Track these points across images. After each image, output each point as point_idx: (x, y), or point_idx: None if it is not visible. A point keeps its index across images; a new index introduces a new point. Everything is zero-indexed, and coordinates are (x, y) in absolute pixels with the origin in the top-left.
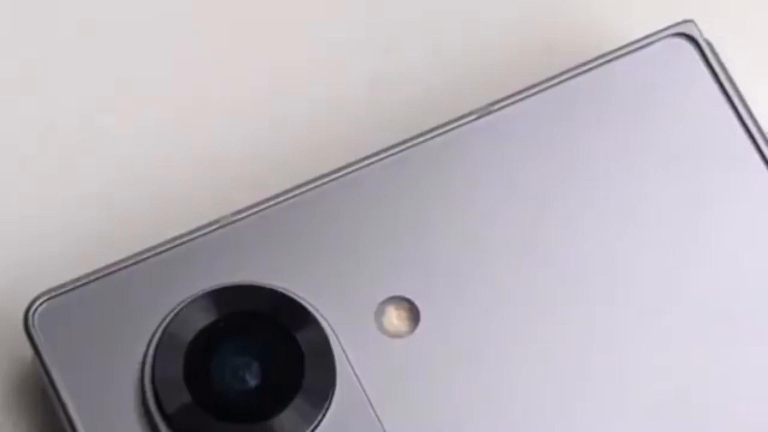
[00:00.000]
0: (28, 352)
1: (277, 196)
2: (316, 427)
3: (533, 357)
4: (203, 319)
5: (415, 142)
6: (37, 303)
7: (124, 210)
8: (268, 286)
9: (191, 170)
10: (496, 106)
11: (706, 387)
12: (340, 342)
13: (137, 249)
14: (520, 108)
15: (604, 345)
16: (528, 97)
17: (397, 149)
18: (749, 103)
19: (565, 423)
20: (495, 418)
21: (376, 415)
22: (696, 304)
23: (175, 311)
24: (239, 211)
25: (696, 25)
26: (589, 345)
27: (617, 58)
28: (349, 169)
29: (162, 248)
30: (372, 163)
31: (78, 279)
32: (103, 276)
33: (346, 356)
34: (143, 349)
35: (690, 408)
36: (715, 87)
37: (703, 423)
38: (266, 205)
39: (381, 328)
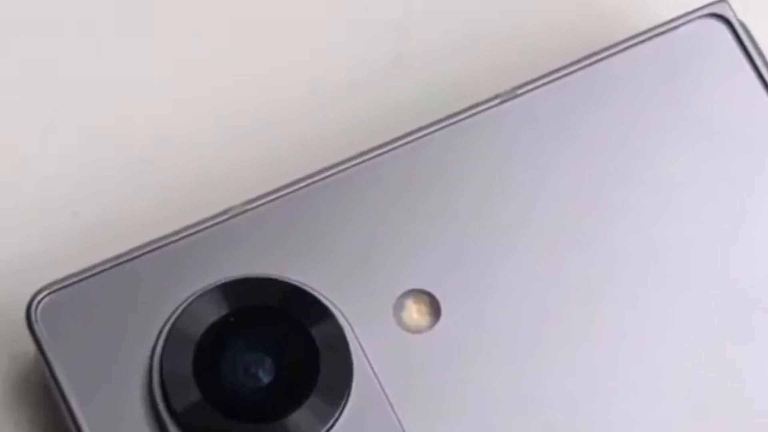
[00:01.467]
0: (30, 348)
1: (292, 184)
2: (331, 426)
3: (562, 353)
4: (214, 313)
5: (436, 127)
6: (40, 296)
7: (130, 200)
8: (281, 279)
9: (201, 157)
10: (522, 90)
11: (743, 375)
12: (357, 337)
13: (144, 240)
14: (547, 92)
15: (636, 338)
16: (555, 80)
17: (418, 134)
18: None
19: (596, 422)
20: (521, 417)
21: (395, 414)
22: (734, 289)
23: (185, 305)
24: (251, 200)
25: (729, 5)
26: (622, 339)
27: (648, 39)
28: (368, 156)
29: (171, 239)
30: (392, 149)
31: (83, 271)
32: (109, 268)
33: (364, 352)
34: (151, 344)
35: (726, 396)
36: (748, 68)
37: (740, 412)
38: (280, 193)
39: (400, 322)
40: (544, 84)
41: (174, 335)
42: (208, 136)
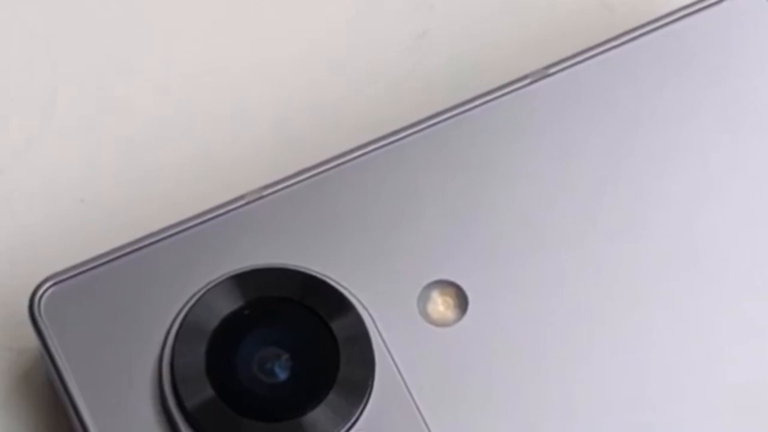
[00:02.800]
0: (33, 342)
1: (311, 168)
2: (352, 425)
3: (595, 351)
4: (228, 305)
5: (463, 109)
6: (43, 288)
7: (139, 186)
8: (299, 269)
9: (215, 141)
10: (553, 70)
11: None
12: (379, 331)
13: (154, 228)
14: (579, 71)
15: (673, 336)
16: (588, 59)
17: (443, 117)
18: None
19: (629, 423)
20: (550, 416)
21: (419, 412)
22: None
23: (197, 296)
24: (268, 186)
25: None
26: (657, 338)
27: (687, 16)
28: (391, 139)
29: (182, 227)
30: (415, 132)
31: (89, 261)
32: (117, 258)
33: (386, 347)
34: (161, 338)
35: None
36: None
37: None
38: (298, 178)
39: (425, 315)
40: (576, 63)
41: (185, 329)
42: (222, 118)
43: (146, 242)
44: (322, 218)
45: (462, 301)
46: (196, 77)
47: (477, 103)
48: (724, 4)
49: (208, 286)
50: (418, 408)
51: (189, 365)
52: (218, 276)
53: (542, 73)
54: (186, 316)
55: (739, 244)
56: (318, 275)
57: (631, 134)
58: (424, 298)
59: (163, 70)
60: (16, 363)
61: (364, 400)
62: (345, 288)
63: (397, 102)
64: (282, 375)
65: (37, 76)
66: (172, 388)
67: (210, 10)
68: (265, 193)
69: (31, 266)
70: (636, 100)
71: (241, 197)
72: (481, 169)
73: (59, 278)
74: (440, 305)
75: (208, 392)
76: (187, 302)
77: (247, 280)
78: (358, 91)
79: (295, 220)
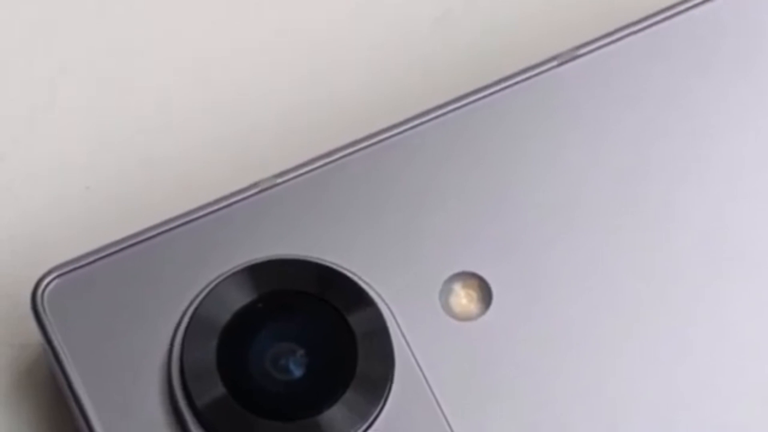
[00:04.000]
0: (36, 338)
1: (327, 154)
2: (370, 424)
3: (627, 344)
4: (240, 298)
5: (486, 92)
6: (47, 280)
7: (147, 174)
8: (315, 261)
9: (226, 126)
10: (583, 51)
11: None
12: (399, 325)
13: (163, 218)
14: (610, 53)
15: (707, 332)
16: (619, 40)
17: (466, 101)
18: None
19: (660, 421)
20: (576, 415)
21: (441, 411)
22: None
23: (208, 289)
24: (283, 173)
25: None
26: (690, 333)
27: None
28: (412, 124)
29: (192, 216)
30: (437, 116)
31: (95, 251)
32: (124, 249)
33: (407, 342)
34: (170, 333)
35: None
36: None
37: None
38: (314, 165)
39: (447, 309)
40: (607, 44)
41: (196, 323)
42: (234, 103)
43: (155, 232)
44: (338, 207)
45: (486, 294)
46: (207, 59)
47: (502, 86)
48: None
49: (220, 279)
50: (440, 406)
51: (199, 361)
52: (230, 268)
53: (571, 55)
54: (196, 309)
55: None
56: (335, 267)
57: (663, 118)
58: (446, 291)
59: (173, 52)
60: (18, 359)
61: (383, 399)
62: (363, 280)
63: (417, 86)
64: (297, 372)
65: (40, 58)
66: (182, 386)
67: None
68: (279, 180)
69: (33, 257)
70: (668, 83)
71: (254, 185)
72: (506, 155)
73: (63, 270)
74: (463, 298)
75: (220, 390)
76: (198, 295)
77: (260, 272)
78: (377, 75)
79: (311, 209)
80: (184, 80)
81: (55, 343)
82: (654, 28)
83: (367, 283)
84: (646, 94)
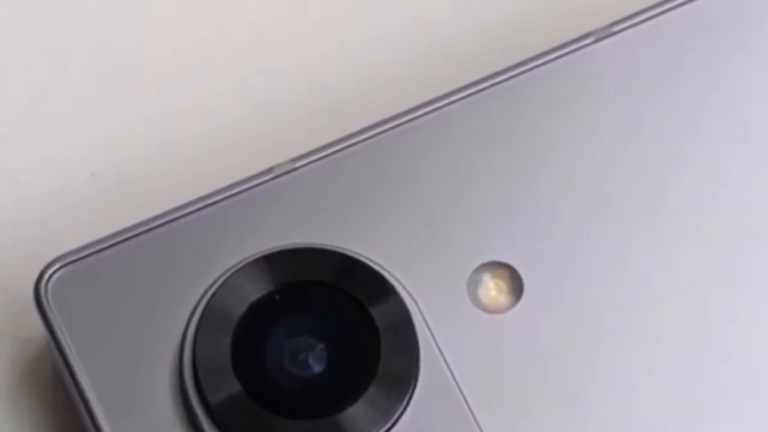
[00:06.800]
0: (39, 331)
1: (347, 138)
2: (395, 422)
3: (666, 339)
4: (256, 289)
5: (516, 71)
6: (51, 270)
7: (156, 159)
8: (335, 249)
9: (241, 106)
10: (618, 27)
11: None
12: (424, 318)
13: (173, 205)
14: (647, 29)
15: (746, 330)
16: (656, 15)
17: (496, 79)
18: None
19: (692, 420)
20: (616, 414)
21: (469, 408)
22: None
23: (222, 280)
24: (300, 157)
25: None
26: (729, 330)
27: None
28: (437, 105)
29: (204, 203)
30: (464, 97)
31: (101, 240)
32: (132, 237)
33: (432, 336)
34: (182, 327)
35: None
36: None
37: None
38: (334, 148)
39: (475, 301)
40: (644, 20)
41: (209, 316)
42: (248, 84)
43: (164, 220)
44: (359, 193)
45: (516, 285)
46: (219, 40)
47: (533, 64)
48: None
49: (234, 269)
50: (467, 404)
51: (213, 357)
52: (245, 257)
53: (606, 32)
54: (209, 302)
55: None
56: (356, 256)
57: (704, 99)
58: (474, 282)
59: (183, 32)
60: (21, 354)
61: (407, 396)
62: (386, 270)
63: (444, 65)
64: (316, 367)
65: (45, 35)
66: (194, 382)
67: None
68: (296, 165)
69: (36, 245)
70: (709, 61)
71: (270, 170)
72: (537, 137)
73: (68, 260)
74: (492, 289)
75: (234, 386)
76: (211, 287)
77: (277, 262)
78: (401, 53)
79: (330, 196)
80: (196, 61)
81: (60, 337)
82: (693, 3)
83: (390, 273)
84: (686, 73)
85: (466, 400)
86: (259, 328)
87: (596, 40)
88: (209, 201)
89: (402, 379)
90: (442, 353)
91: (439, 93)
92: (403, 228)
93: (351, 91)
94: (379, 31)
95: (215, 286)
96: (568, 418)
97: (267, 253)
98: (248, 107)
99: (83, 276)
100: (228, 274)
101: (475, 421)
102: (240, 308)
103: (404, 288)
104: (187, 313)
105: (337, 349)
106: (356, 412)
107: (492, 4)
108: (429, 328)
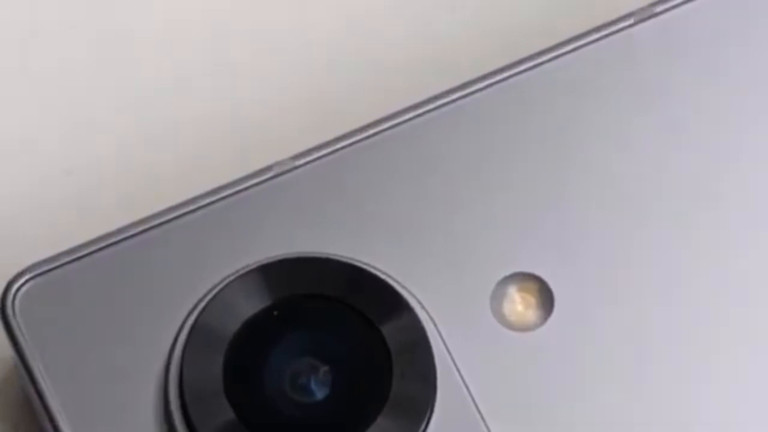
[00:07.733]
0: (6, 351)
1: (353, 133)
2: None
3: (712, 361)
4: (251, 304)
5: (548, 56)
6: (20, 282)
7: (137, 156)
8: (341, 259)
9: (236, 100)
10: (661, 8)
11: None
12: (442, 337)
13: (158, 208)
14: (690, 10)
15: None
16: None
17: (522, 67)
18: None
19: None
20: None
21: None
22: None
23: (213, 293)
24: (302, 154)
25: None
26: None
27: None
28: (455, 96)
29: (193, 206)
30: (486, 86)
31: (77, 248)
32: (112, 245)
33: (451, 357)
34: (167, 346)
35: None
36: None
37: None
38: (338, 145)
39: (500, 317)
40: (687, 1)
41: (199, 334)
42: (246, 72)
43: (148, 225)
44: (368, 195)
45: (546, 299)
46: (208, 28)
47: (569, 48)
48: None
49: (227, 280)
50: (489, 430)
51: (202, 380)
52: (239, 267)
53: (648, 12)
54: (199, 317)
55: None
56: (364, 266)
57: (752, 86)
58: (498, 296)
59: (177, 2)
60: None
61: (423, 425)
62: (399, 283)
63: (466, 47)
64: (319, 393)
65: (8, 17)
66: (181, 409)
67: None
68: (297, 163)
69: (3, 253)
70: (759, 45)
71: (268, 169)
72: (570, 130)
73: (39, 270)
74: (519, 304)
75: (227, 414)
76: (200, 300)
77: (275, 273)
78: (416, 36)
79: (334, 198)
80: (189, 41)
81: (29, 358)
82: None
83: (403, 286)
84: (732, 59)
85: (487, 427)
86: (254, 348)
87: (637, 22)
88: (200, 203)
89: (416, 406)
90: (462, 377)
91: (458, 83)
92: (416, 234)
93: (356, 85)
94: (399, 19)
95: (206, 300)
96: None
97: (264, 262)
98: (247, 98)
99: (56, 288)
100: (220, 286)
101: None
102: (234, 325)
103: (419, 303)
104: (173, 331)
105: (342, 372)
106: None
107: None
108: (447, 349)
